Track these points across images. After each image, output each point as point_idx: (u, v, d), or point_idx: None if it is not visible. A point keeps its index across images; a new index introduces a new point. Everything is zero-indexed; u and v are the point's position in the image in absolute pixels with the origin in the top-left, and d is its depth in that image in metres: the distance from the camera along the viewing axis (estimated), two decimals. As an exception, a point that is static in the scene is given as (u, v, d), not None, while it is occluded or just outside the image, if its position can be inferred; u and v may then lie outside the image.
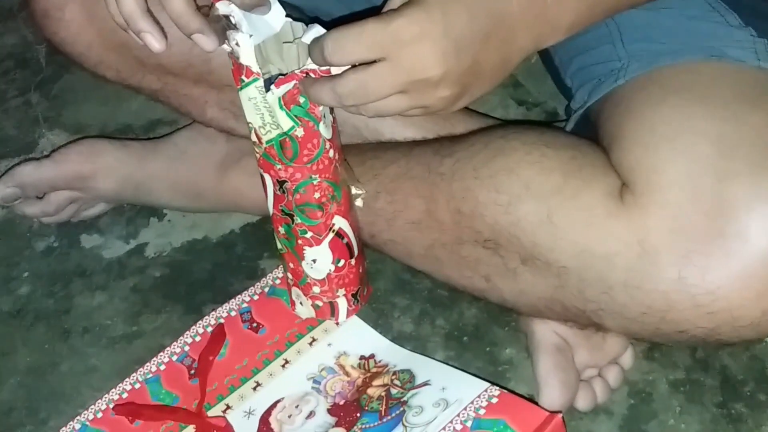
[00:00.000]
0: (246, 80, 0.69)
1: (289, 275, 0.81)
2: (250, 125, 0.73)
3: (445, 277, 0.79)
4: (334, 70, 0.65)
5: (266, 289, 0.86)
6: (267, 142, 0.72)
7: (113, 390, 0.80)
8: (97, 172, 0.95)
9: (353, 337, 0.82)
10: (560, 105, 1.03)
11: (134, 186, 0.96)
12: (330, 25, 0.65)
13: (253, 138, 0.73)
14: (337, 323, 0.82)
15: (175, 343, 0.83)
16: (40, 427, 0.84)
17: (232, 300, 0.85)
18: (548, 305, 0.71)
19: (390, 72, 0.61)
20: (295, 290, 0.81)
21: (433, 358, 0.81)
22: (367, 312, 0.85)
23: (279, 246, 0.79)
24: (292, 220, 0.76)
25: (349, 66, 0.63)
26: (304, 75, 0.67)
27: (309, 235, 0.76)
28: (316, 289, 0.79)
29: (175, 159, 0.95)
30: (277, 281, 0.87)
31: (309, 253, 0.77)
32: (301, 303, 0.82)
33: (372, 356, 0.80)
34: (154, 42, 0.66)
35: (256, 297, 0.86)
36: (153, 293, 0.94)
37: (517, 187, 0.70)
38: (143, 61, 0.84)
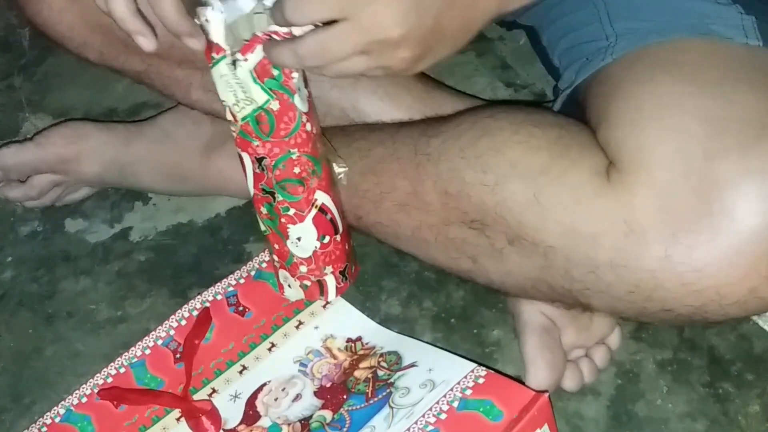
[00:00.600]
0: (216, 57, 0.69)
1: (275, 257, 0.80)
2: (224, 104, 0.72)
3: (432, 258, 0.79)
4: (297, 32, 0.65)
5: (252, 273, 0.86)
6: (242, 119, 0.72)
7: (98, 375, 0.79)
8: (80, 155, 0.94)
9: (340, 320, 0.81)
10: (548, 87, 1.03)
11: (118, 169, 0.95)
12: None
13: (228, 117, 0.73)
14: (327, 302, 0.82)
15: (160, 327, 0.82)
16: (25, 412, 0.83)
17: (218, 284, 0.85)
18: (535, 285, 0.71)
19: (350, 32, 0.61)
20: (282, 272, 0.81)
21: (421, 340, 0.80)
22: (354, 294, 0.85)
23: (263, 228, 0.79)
24: (274, 198, 0.75)
25: (312, 28, 0.63)
26: (267, 38, 0.67)
27: (292, 212, 0.75)
28: (303, 269, 0.79)
29: (159, 142, 0.95)
30: (263, 265, 0.86)
31: (293, 231, 0.76)
32: (289, 285, 0.81)
33: (359, 339, 0.80)
34: (146, 43, 0.66)
35: (242, 281, 0.85)
36: (138, 277, 0.93)
37: (504, 166, 0.69)
38: (127, 43, 0.82)
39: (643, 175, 0.62)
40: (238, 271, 0.86)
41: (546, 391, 0.66)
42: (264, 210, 0.77)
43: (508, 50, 1.11)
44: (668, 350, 0.81)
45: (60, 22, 0.84)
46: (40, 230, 1.00)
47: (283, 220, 0.76)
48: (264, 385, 0.78)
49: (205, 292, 0.84)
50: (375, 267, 0.90)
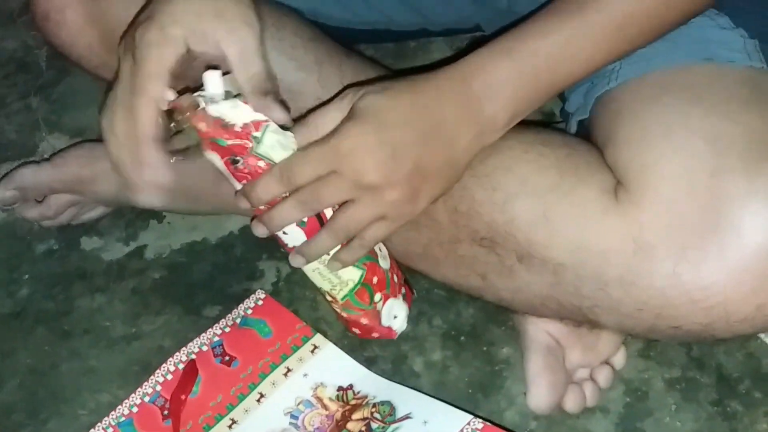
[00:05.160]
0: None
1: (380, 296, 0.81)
2: (321, 290, 0.78)
3: (442, 276, 0.80)
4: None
5: (238, 321, 0.86)
6: (342, 298, 0.77)
7: None
8: (96, 175, 0.95)
9: (330, 367, 0.81)
10: (556, 106, 1.04)
11: (133, 188, 0.96)
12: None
13: (328, 298, 0.79)
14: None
15: (146, 383, 0.81)
16: (40, 428, 0.84)
17: (203, 334, 0.85)
18: (544, 302, 0.72)
19: (338, 179, 0.67)
20: (388, 305, 0.81)
21: (414, 388, 0.79)
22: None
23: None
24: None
25: None
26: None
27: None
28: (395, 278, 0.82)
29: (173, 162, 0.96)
30: (249, 312, 0.86)
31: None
32: (395, 316, 0.83)
33: (350, 387, 0.79)
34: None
35: (227, 329, 0.85)
36: (152, 295, 0.94)
37: (514, 184, 0.70)
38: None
39: (650, 193, 0.63)
40: (223, 320, 0.86)
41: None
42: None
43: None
44: (677, 368, 0.81)
45: (78, 43, 0.85)
46: (56, 248, 1.01)
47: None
48: None
49: (190, 344, 0.84)
50: (386, 285, 0.90)
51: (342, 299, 0.78)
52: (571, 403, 0.77)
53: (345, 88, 0.71)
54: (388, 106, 0.67)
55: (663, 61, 0.72)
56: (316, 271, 0.76)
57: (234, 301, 0.88)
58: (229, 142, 0.68)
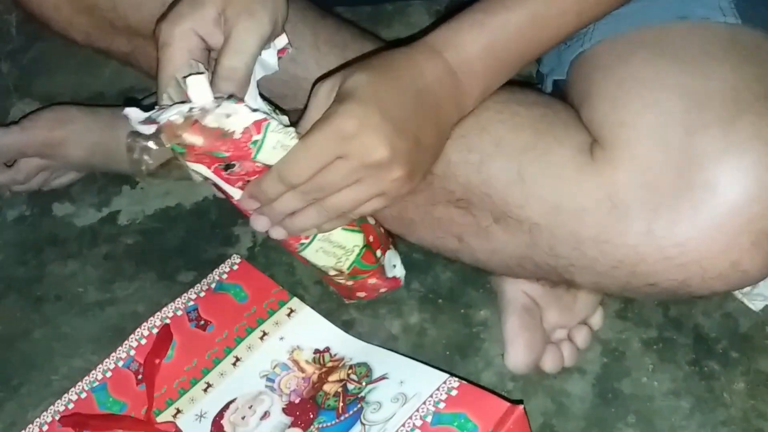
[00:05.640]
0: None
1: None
2: (324, 268, 0.76)
3: (418, 238, 0.79)
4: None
5: (213, 285, 0.85)
6: (349, 267, 0.75)
7: (58, 401, 0.78)
8: (66, 138, 0.94)
9: (306, 330, 0.80)
10: (533, 68, 1.03)
11: (104, 153, 0.95)
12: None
13: (331, 273, 0.77)
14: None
15: (120, 347, 0.80)
16: (12, 394, 0.83)
17: (178, 299, 0.83)
18: (520, 263, 0.71)
19: (342, 164, 0.64)
20: (387, 258, 0.81)
21: (391, 349, 0.78)
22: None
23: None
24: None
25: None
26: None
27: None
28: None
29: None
30: (224, 276, 0.85)
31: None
32: (394, 265, 0.82)
33: (327, 350, 0.78)
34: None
35: (202, 294, 0.84)
36: (126, 261, 0.93)
37: (489, 145, 0.69)
38: (113, 23, 0.82)
39: (625, 151, 0.63)
40: (198, 285, 0.85)
41: (521, 402, 0.66)
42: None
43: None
44: (654, 329, 0.81)
45: (46, 3, 0.83)
46: (27, 214, 1.00)
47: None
48: (230, 402, 0.76)
49: (165, 308, 0.83)
50: (362, 249, 0.90)
51: (349, 268, 0.76)
52: (549, 363, 0.77)
53: (314, 83, 0.69)
54: (378, 82, 0.65)
55: (637, 20, 0.71)
56: (320, 251, 0.74)
57: (209, 267, 0.87)
58: (228, 153, 0.63)
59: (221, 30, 0.65)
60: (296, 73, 0.82)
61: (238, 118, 0.62)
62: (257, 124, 0.63)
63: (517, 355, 0.75)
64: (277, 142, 0.64)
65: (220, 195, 0.71)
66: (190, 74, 0.62)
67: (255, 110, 0.63)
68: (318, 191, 0.66)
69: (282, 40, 0.70)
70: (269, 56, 0.69)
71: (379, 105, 0.63)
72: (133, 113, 0.63)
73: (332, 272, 0.77)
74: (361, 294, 0.82)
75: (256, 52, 0.66)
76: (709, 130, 0.61)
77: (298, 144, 0.64)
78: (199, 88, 0.61)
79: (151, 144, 0.63)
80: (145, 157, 0.63)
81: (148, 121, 0.62)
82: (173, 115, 0.61)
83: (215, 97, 0.62)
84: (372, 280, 0.79)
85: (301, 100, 0.83)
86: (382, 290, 0.82)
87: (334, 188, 0.66)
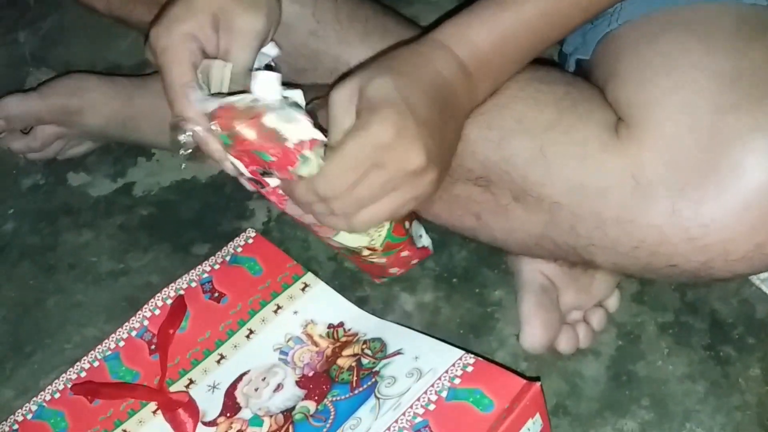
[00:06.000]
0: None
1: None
2: (357, 249, 0.74)
3: (436, 216, 0.78)
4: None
5: (228, 258, 0.84)
6: (381, 244, 0.74)
7: (71, 369, 0.78)
8: (83, 106, 0.93)
9: (320, 305, 0.79)
10: (554, 50, 1.02)
11: (121, 123, 0.94)
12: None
13: (365, 253, 0.75)
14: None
15: (133, 317, 0.80)
16: (24, 361, 0.83)
17: (192, 271, 0.83)
18: (539, 242, 0.70)
19: (377, 175, 0.61)
20: (414, 228, 0.80)
21: (405, 326, 0.77)
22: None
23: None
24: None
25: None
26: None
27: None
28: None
29: (163, 97, 0.94)
30: (239, 249, 0.84)
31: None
32: (420, 235, 0.82)
33: (341, 324, 0.78)
34: None
35: (217, 266, 0.83)
36: (140, 232, 0.93)
37: (510, 122, 0.69)
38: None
39: (651, 129, 0.62)
40: (212, 257, 0.84)
41: (538, 379, 0.65)
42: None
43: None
44: (670, 313, 0.80)
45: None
46: (42, 183, 0.99)
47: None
48: (243, 374, 0.76)
49: (179, 280, 0.82)
50: (378, 226, 0.89)
51: (381, 245, 0.74)
52: (564, 344, 0.76)
53: (313, 99, 0.67)
54: (404, 86, 0.63)
55: (666, 1, 0.70)
56: (353, 233, 0.71)
57: (224, 240, 0.86)
58: (274, 159, 0.61)
59: (217, 33, 0.65)
60: (317, 47, 0.81)
61: (297, 127, 0.61)
62: (313, 142, 0.61)
63: (533, 334, 0.75)
64: (317, 167, 0.62)
65: (251, 188, 0.69)
66: (257, 69, 0.62)
67: (316, 127, 0.62)
68: (354, 206, 0.64)
69: (272, 50, 0.69)
70: (265, 58, 0.69)
71: (411, 110, 0.61)
72: (194, 89, 0.62)
73: (366, 252, 0.75)
74: (394, 270, 0.81)
75: (258, 47, 0.66)
76: (738, 110, 0.60)
77: (334, 157, 0.61)
78: (268, 86, 0.60)
79: (197, 127, 0.62)
80: (188, 139, 0.62)
81: (210, 97, 0.61)
82: (238, 100, 0.60)
83: (283, 97, 0.61)
84: (405, 253, 0.78)
85: (320, 74, 0.83)
86: (414, 261, 0.82)
87: (370, 202, 0.63)
